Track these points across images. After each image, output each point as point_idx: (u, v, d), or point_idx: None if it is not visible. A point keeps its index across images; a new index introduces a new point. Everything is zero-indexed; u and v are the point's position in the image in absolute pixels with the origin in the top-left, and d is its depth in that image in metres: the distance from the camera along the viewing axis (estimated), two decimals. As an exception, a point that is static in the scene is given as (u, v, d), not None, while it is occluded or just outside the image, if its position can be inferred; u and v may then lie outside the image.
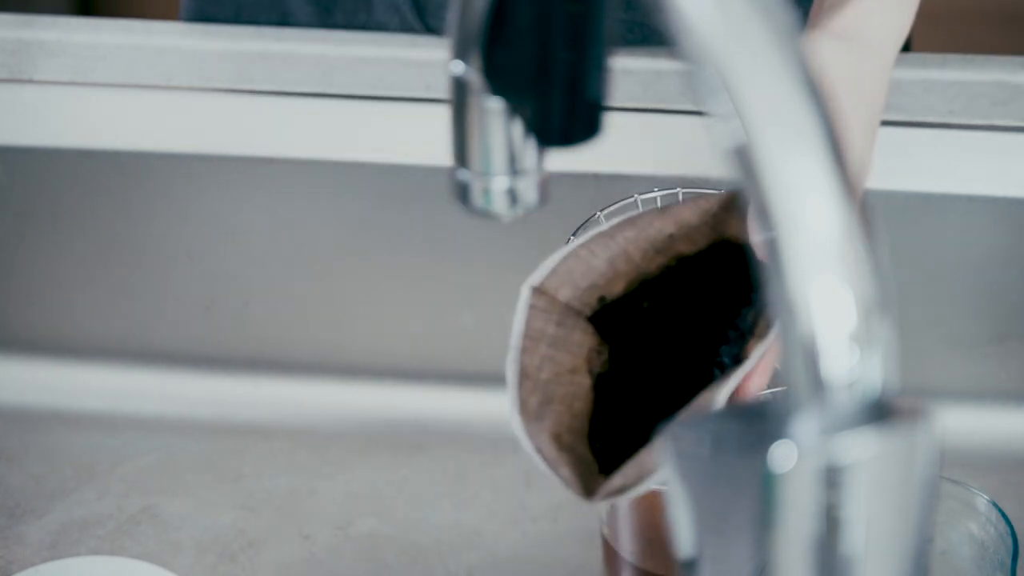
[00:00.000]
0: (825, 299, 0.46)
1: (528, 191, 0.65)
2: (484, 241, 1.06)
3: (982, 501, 0.86)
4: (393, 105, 1.06)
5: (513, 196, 0.65)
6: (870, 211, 0.82)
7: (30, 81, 1.08)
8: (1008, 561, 0.84)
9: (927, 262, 1.04)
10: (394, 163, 1.05)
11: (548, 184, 0.66)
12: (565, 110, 0.60)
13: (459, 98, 0.64)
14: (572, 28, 0.59)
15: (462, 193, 0.66)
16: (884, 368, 0.46)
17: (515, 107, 0.62)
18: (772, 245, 0.46)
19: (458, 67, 0.63)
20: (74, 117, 1.07)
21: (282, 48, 1.08)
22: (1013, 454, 1.06)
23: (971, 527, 0.86)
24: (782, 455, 0.46)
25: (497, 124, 0.63)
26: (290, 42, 1.09)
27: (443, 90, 1.06)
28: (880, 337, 0.46)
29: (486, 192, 0.65)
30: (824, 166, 0.46)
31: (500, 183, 0.65)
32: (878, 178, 0.93)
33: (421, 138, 1.05)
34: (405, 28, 1.11)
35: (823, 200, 0.46)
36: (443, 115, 1.08)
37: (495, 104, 0.63)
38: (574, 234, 0.91)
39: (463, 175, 0.65)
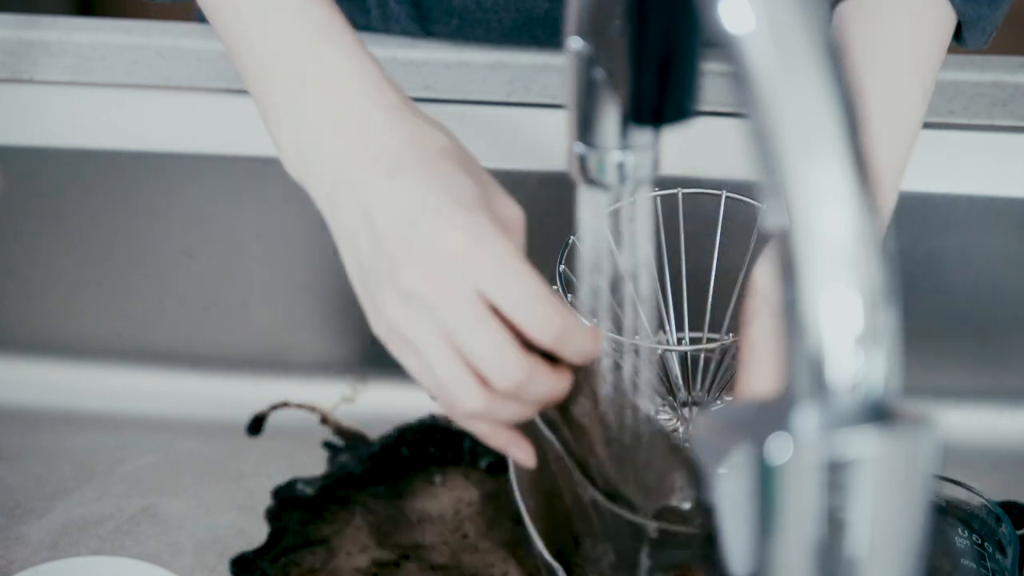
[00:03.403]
0: (833, 301, 0.46)
1: (640, 167, 0.69)
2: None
3: (982, 501, 0.86)
4: (393, 105, 1.06)
5: (624, 170, 0.69)
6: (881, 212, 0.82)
7: (30, 81, 1.08)
8: (1008, 562, 0.84)
9: (927, 262, 1.04)
10: (394, 163, 1.05)
11: (659, 162, 0.69)
12: (657, 91, 0.63)
13: (576, 73, 0.67)
14: (668, 15, 0.61)
15: (578, 165, 0.70)
16: (887, 369, 0.46)
17: (615, 86, 0.65)
18: (785, 246, 0.46)
19: (576, 43, 0.67)
20: (74, 117, 1.07)
21: (282, 48, 1.08)
22: (1013, 454, 1.06)
23: (971, 527, 0.86)
24: (778, 447, 0.46)
25: (611, 100, 0.66)
26: (290, 42, 1.09)
27: (443, 90, 1.06)
28: (884, 339, 0.46)
29: (599, 165, 0.69)
30: (843, 171, 0.46)
31: (613, 157, 0.69)
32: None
33: (421, 138, 1.05)
34: (405, 35, 1.11)
35: (838, 205, 0.46)
36: (442, 115, 1.08)
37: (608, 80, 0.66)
38: (574, 234, 0.91)
39: (579, 148, 0.69)
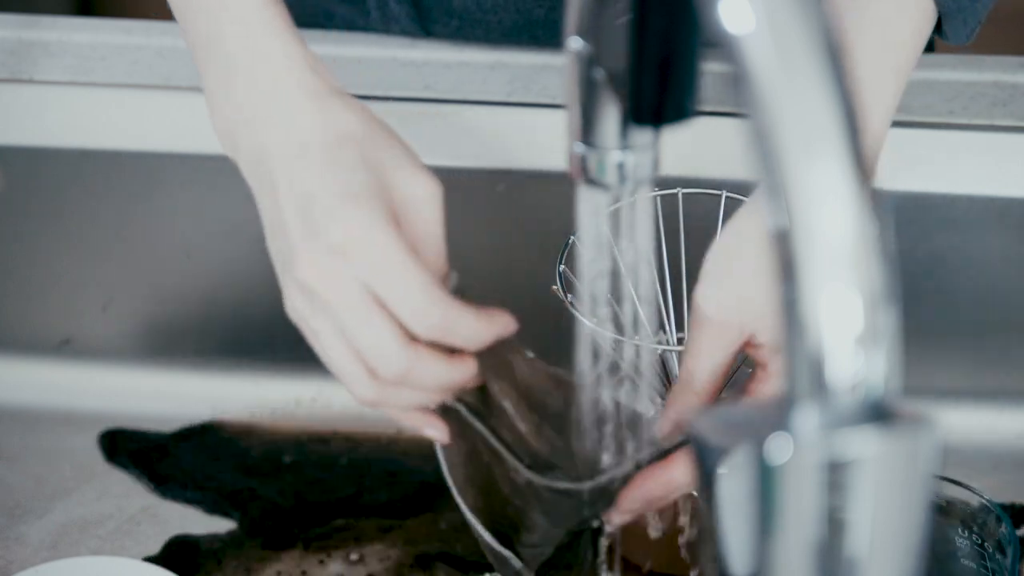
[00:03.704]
0: (833, 301, 0.46)
1: (640, 167, 0.69)
2: (485, 241, 1.06)
3: (982, 501, 0.86)
4: (393, 105, 1.05)
5: (624, 170, 0.69)
6: (881, 213, 0.82)
7: (30, 81, 1.08)
8: (1008, 562, 0.84)
9: (927, 262, 1.04)
10: (394, 163, 1.05)
11: (659, 162, 0.70)
12: (657, 91, 0.63)
13: (576, 73, 0.68)
14: (668, 15, 0.62)
15: (579, 165, 0.70)
16: (887, 369, 0.46)
17: (615, 86, 0.65)
18: (784, 245, 0.46)
19: (576, 43, 0.67)
20: (74, 117, 1.07)
21: (282, 48, 1.08)
22: (1013, 454, 1.06)
23: (971, 527, 0.86)
24: (778, 447, 0.46)
25: (611, 100, 0.66)
26: (290, 42, 1.09)
27: (443, 90, 1.06)
28: (884, 339, 0.46)
29: (599, 165, 0.69)
30: (843, 171, 0.46)
31: (613, 157, 0.69)
32: (878, 178, 0.93)
33: (421, 138, 1.05)
34: (405, 36, 1.11)
35: (838, 205, 0.46)
36: (442, 115, 1.08)
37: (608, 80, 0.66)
38: (574, 235, 0.91)
39: (579, 148, 0.69)
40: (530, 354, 0.80)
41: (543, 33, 1.07)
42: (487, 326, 0.76)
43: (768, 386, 0.81)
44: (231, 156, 0.81)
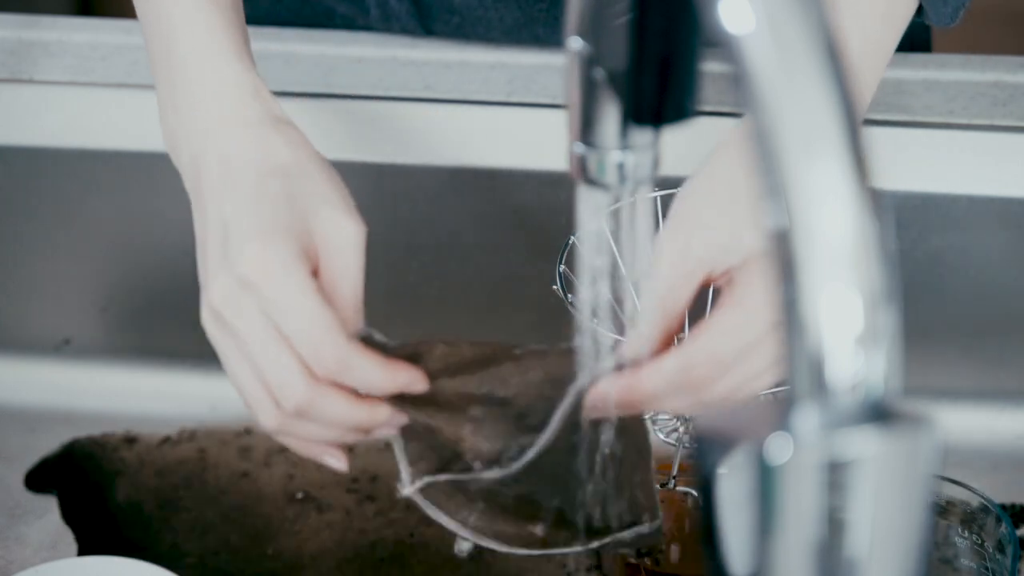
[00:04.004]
0: (833, 301, 0.46)
1: (640, 167, 0.69)
2: (485, 240, 1.06)
3: (982, 501, 0.86)
4: (393, 105, 1.05)
5: (624, 170, 0.69)
6: (881, 211, 0.82)
7: (30, 81, 1.08)
8: (1008, 562, 0.84)
9: (927, 262, 1.04)
10: (394, 163, 1.05)
11: (660, 162, 0.69)
12: (657, 91, 0.63)
13: (576, 73, 0.68)
14: (668, 15, 0.62)
15: (578, 165, 0.70)
16: (887, 369, 0.46)
17: (615, 86, 0.65)
18: (784, 245, 0.46)
19: (576, 43, 0.67)
20: (74, 117, 1.07)
21: (282, 48, 1.08)
22: (1013, 454, 1.06)
23: (971, 527, 0.86)
24: (778, 447, 0.46)
25: (611, 100, 0.66)
26: (290, 42, 1.09)
27: (443, 90, 1.06)
28: (884, 339, 0.46)
29: (599, 165, 0.69)
30: (843, 171, 0.46)
31: (613, 157, 0.69)
32: (878, 178, 0.93)
33: (421, 138, 1.05)
34: (405, 34, 1.11)
35: (838, 205, 0.46)
36: (443, 114, 1.08)
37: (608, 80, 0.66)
38: (574, 235, 0.91)
39: (579, 148, 0.69)
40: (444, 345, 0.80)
41: (544, 30, 1.07)
42: (388, 376, 0.77)
43: (750, 298, 0.79)
44: (174, 163, 0.83)
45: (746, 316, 0.77)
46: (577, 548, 0.82)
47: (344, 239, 0.78)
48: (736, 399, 0.77)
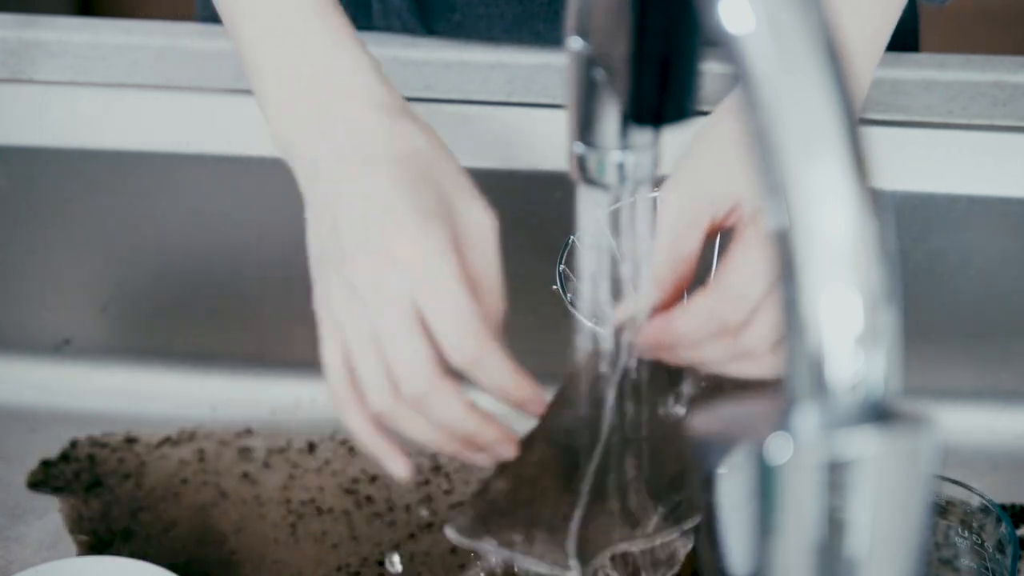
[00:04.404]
0: (834, 301, 0.46)
1: (640, 167, 0.69)
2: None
3: (982, 501, 0.86)
4: (393, 105, 1.05)
5: (624, 170, 0.69)
6: (882, 211, 0.82)
7: (30, 81, 1.08)
8: (1008, 562, 0.84)
9: (927, 262, 1.04)
10: (394, 163, 1.05)
11: (660, 162, 0.70)
12: (657, 91, 0.63)
13: (576, 73, 0.68)
14: (668, 15, 0.62)
15: (578, 165, 0.70)
16: (887, 369, 0.46)
17: (614, 85, 0.65)
18: (784, 246, 0.46)
19: (576, 43, 0.67)
20: (74, 117, 1.07)
21: (282, 48, 1.08)
22: (1013, 454, 1.06)
23: (971, 527, 0.86)
24: (778, 447, 0.46)
25: (611, 100, 0.66)
26: (290, 42, 1.09)
27: (443, 90, 1.06)
28: (884, 339, 0.46)
29: (599, 165, 0.69)
30: (843, 171, 0.46)
31: (613, 157, 0.69)
32: (878, 178, 0.93)
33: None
34: (407, 32, 1.11)
35: (838, 205, 0.46)
36: (442, 115, 1.08)
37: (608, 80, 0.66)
38: (574, 235, 0.91)
39: (579, 148, 0.69)
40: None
41: (544, 26, 1.07)
42: (517, 383, 0.77)
43: (751, 249, 0.79)
44: (283, 157, 0.81)
45: (766, 252, 0.77)
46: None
47: (484, 229, 0.77)
48: (771, 348, 0.77)
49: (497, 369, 0.76)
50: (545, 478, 0.80)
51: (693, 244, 0.80)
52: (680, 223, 0.80)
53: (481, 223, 0.77)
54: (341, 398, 0.78)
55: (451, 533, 0.80)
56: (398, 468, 0.80)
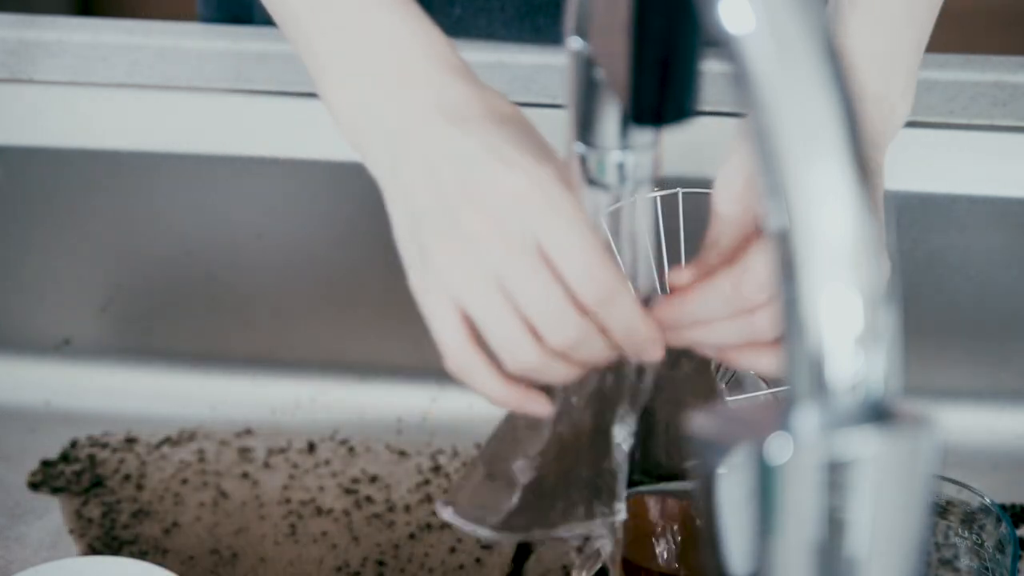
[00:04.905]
0: (834, 301, 0.46)
1: (640, 167, 0.69)
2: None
3: (982, 501, 0.86)
4: (393, 105, 1.05)
5: (624, 170, 0.69)
6: (884, 212, 0.83)
7: (30, 81, 1.08)
8: (1008, 562, 0.84)
9: (927, 262, 1.04)
10: (394, 163, 1.05)
11: (660, 162, 0.69)
12: (657, 91, 0.63)
13: (576, 73, 0.68)
14: (668, 15, 0.62)
15: (578, 165, 0.70)
16: (887, 369, 0.46)
17: (614, 85, 0.65)
18: (784, 245, 0.46)
19: (576, 43, 0.67)
20: (74, 117, 1.07)
21: (282, 48, 1.08)
22: (1013, 454, 1.06)
23: (971, 527, 0.86)
24: (778, 447, 0.46)
25: (611, 100, 0.66)
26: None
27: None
28: (884, 339, 0.46)
29: (599, 165, 0.69)
30: (843, 171, 0.46)
31: (613, 157, 0.69)
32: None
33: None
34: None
35: (838, 205, 0.46)
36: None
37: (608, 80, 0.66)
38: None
39: (579, 148, 0.69)
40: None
41: (545, 20, 1.07)
42: (645, 321, 0.73)
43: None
44: (353, 140, 0.77)
45: None
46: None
47: (576, 184, 0.72)
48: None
49: (627, 307, 0.72)
50: (574, 448, 0.79)
51: (736, 234, 0.78)
52: (732, 212, 0.77)
53: (573, 180, 0.73)
54: (467, 365, 0.73)
55: (486, 533, 0.79)
56: (543, 407, 0.75)
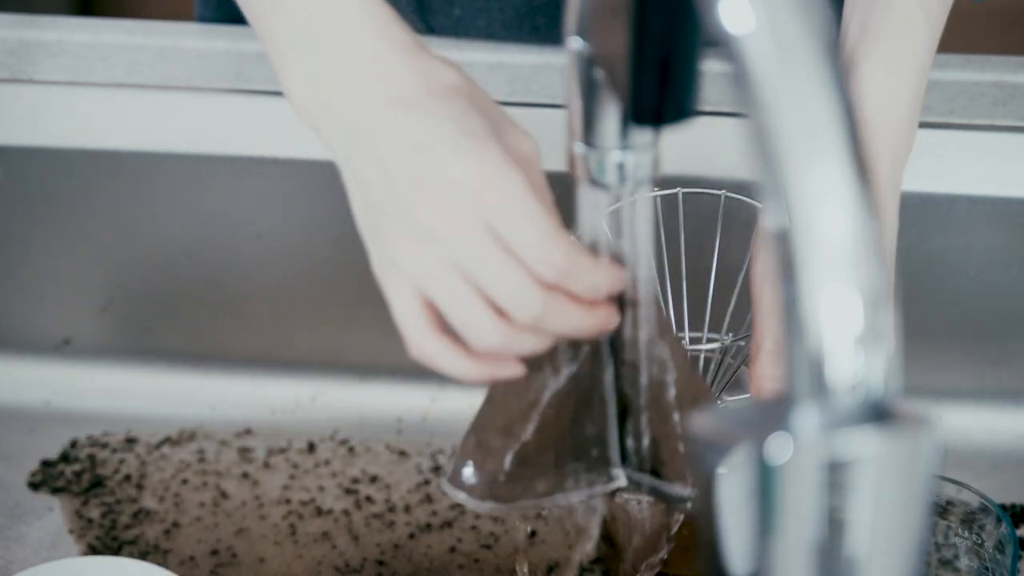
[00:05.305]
0: (834, 301, 0.46)
1: (640, 167, 0.69)
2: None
3: (982, 501, 0.86)
4: (393, 105, 1.05)
5: (624, 170, 0.69)
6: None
7: (30, 81, 1.08)
8: (1008, 562, 0.84)
9: (927, 262, 1.04)
10: (394, 163, 1.05)
11: (660, 162, 0.69)
12: (657, 91, 0.63)
13: (576, 73, 0.68)
14: (668, 15, 0.62)
15: (578, 165, 0.70)
16: (887, 369, 0.46)
17: (614, 85, 0.65)
18: (784, 245, 0.46)
19: (576, 43, 0.67)
20: (74, 117, 1.07)
21: (282, 48, 1.08)
22: (1013, 454, 1.06)
23: (971, 527, 0.86)
24: (778, 447, 0.46)
25: (611, 100, 0.66)
26: (290, 42, 1.09)
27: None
28: (884, 339, 0.46)
29: (599, 165, 0.69)
30: (843, 171, 0.46)
31: (613, 157, 0.69)
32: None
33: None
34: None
35: (838, 205, 0.46)
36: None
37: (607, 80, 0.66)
38: (574, 235, 0.90)
39: (579, 148, 0.69)
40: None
41: (544, 21, 1.07)
42: (605, 277, 0.73)
43: None
44: (309, 123, 0.77)
45: None
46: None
47: (528, 151, 0.73)
48: None
49: (590, 270, 0.72)
50: (564, 415, 0.79)
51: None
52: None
53: (527, 146, 0.74)
54: (431, 350, 0.74)
55: (474, 504, 0.79)
56: (516, 369, 0.75)
